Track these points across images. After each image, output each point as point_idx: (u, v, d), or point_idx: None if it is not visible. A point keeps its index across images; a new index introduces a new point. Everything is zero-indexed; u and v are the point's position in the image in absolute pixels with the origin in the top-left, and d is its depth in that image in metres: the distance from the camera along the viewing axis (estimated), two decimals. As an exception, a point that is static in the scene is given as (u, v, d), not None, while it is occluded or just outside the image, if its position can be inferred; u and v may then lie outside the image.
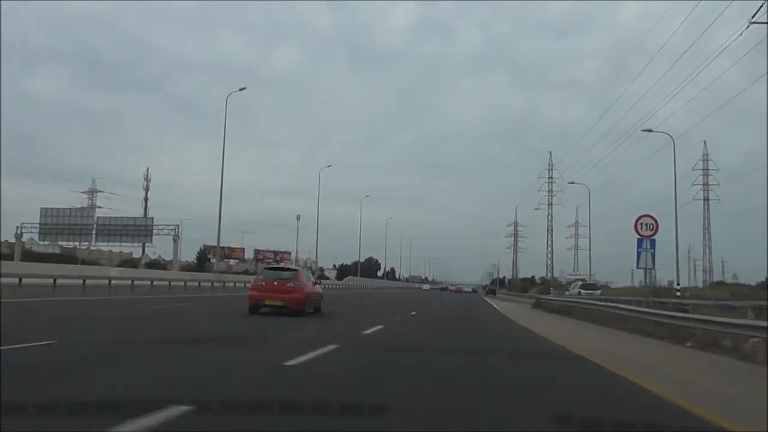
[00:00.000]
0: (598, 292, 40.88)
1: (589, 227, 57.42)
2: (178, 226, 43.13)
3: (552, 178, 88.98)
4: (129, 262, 68.77)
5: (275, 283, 16.30)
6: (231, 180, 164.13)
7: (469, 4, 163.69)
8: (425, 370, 7.35)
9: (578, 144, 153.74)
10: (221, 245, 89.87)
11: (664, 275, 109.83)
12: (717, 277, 77.23)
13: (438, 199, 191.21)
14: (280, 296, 15.78)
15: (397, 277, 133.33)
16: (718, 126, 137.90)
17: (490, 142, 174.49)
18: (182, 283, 37.29)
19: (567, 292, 44.54)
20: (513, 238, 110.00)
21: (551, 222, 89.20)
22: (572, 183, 58.67)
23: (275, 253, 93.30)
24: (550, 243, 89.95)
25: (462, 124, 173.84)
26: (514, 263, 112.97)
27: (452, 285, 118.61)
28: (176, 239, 42.80)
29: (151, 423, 3.86)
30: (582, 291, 40.00)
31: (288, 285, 16.18)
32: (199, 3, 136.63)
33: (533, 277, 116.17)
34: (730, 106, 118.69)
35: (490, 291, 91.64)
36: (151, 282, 34.72)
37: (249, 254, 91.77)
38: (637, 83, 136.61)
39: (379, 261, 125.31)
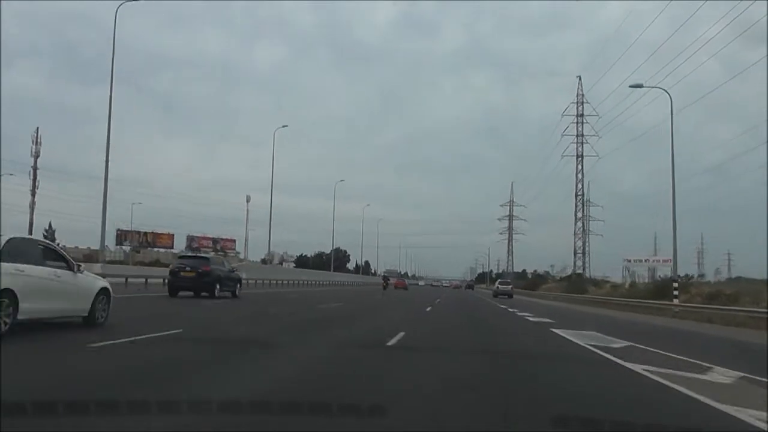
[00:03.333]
0: (510, 287, 46.83)
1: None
2: None
3: (582, 115, 63.29)
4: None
5: (392, 280, 57.19)
6: (207, 175, 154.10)
7: (450, 2, 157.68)
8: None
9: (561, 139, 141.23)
10: (145, 231, 76.67)
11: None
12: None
13: (419, 195, 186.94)
14: (400, 285, 60.60)
15: (372, 271, 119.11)
16: (696, 121, 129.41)
17: (471, 138, 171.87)
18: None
19: (494, 287, 49.82)
20: (508, 221, 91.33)
21: (582, 178, 64.92)
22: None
23: (214, 240, 79.43)
24: (579, 214, 64.87)
25: (444, 121, 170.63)
26: (510, 252, 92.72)
27: (450, 281, 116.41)
28: None
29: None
30: (499, 286, 47.25)
31: (401, 280, 68.63)
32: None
33: (524, 271, 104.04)
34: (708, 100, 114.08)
35: (468, 287, 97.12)
36: None
37: (181, 242, 77.87)
38: (618, 78, 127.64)
39: (348, 252, 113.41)
